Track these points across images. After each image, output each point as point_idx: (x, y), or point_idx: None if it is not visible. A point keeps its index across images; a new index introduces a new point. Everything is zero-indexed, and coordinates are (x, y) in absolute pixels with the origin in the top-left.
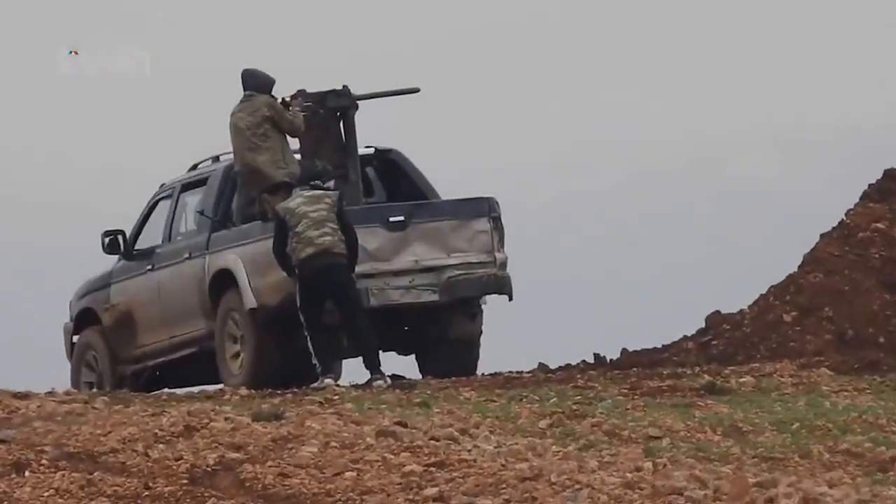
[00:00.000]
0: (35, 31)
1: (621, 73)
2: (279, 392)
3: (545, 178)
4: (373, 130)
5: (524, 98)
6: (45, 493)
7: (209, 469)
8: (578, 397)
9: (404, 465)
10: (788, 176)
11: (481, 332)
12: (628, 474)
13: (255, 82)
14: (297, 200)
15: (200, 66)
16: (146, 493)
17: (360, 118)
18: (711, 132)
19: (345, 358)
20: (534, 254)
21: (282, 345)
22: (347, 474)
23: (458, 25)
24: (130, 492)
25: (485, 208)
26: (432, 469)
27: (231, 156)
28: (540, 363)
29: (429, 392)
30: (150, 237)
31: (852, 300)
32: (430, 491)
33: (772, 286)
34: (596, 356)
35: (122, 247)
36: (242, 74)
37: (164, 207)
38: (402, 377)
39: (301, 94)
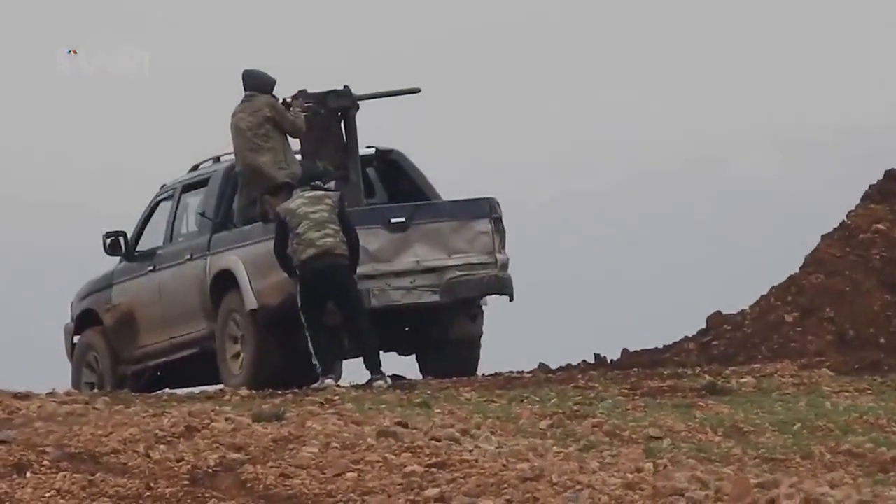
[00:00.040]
0: (35, 31)
1: (621, 73)
2: (280, 393)
3: (545, 178)
4: (373, 130)
5: (524, 98)
6: (47, 494)
7: (210, 470)
8: (579, 398)
9: (405, 466)
10: (788, 176)
11: (482, 332)
12: (629, 475)
13: (256, 83)
14: (298, 201)
15: (200, 66)
16: (147, 493)
17: (360, 118)
18: (711, 132)
19: (345, 358)
20: (534, 254)
21: (282, 346)
22: (348, 475)
23: (458, 25)
24: (132, 492)
25: (486, 209)
26: (433, 469)
27: (232, 156)
28: (540, 364)
29: (429, 392)
30: (152, 238)
31: (853, 301)
32: (432, 491)
33: (773, 287)
34: (596, 356)
35: (123, 248)
36: (243, 75)
37: (165, 208)
38: (403, 378)
39: (302, 94)
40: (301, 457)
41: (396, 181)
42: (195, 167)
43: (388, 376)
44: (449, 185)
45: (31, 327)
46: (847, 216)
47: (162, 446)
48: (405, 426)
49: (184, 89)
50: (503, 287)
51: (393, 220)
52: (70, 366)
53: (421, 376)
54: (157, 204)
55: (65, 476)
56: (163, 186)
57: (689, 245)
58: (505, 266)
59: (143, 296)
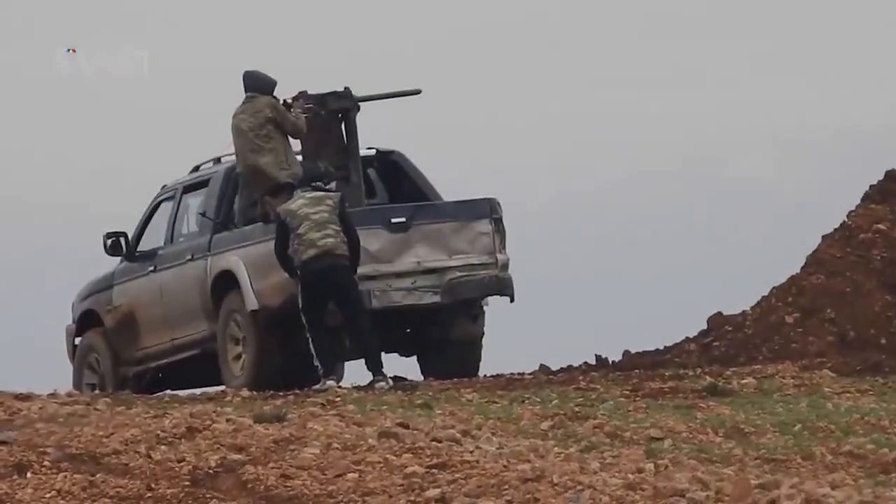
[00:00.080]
0: (35, 31)
1: (621, 73)
2: (281, 394)
3: (545, 178)
4: (372, 131)
5: (524, 98)
6: (47, 495)
7: (211, 471)
8: (580, 399)
9: (406, 467)
10: (788, 176)
11: (483, 333)
12: (630, 476)
13: (257, 84)
14: (299, 202)
15: (200, 67)
16: (148, 494)
17: (360, 119)
18: (711, 132)
19: (347, 360)
20: (535, 254)
21: (284, 347)
22: (349, 476)
23: (458, 25)
24: (133, 493)
25: (486, 210)
26: (434, 470)
27: (232, 157)
28: (541, 364)
29: (430, 393)
30: (152, 239)
31: (854, 302)
32: (433, 492)
33: (774, 287)
34: (597, 358)
35: (124, 248)
36: (244, 76)
37: (165, 209)
38: (404, 378)
39: (302, 95)
40: (302, 458)
41: (397, 182)
42: (196, 168)
43: (390, 377)
44: (449, 185)
45: (32, 328)
46: (847, 216)
47: (163, 447)
48: (406, 427)
49: (184, 89)
50: (504, 288)
51: (394, 221)
52: (71, 367)
53: (422, 377)
54: (158, 204)
55: (65, 477)
56: (164, 187)
57: (690, 245)
58: (506, 267)
59: (144, 297)
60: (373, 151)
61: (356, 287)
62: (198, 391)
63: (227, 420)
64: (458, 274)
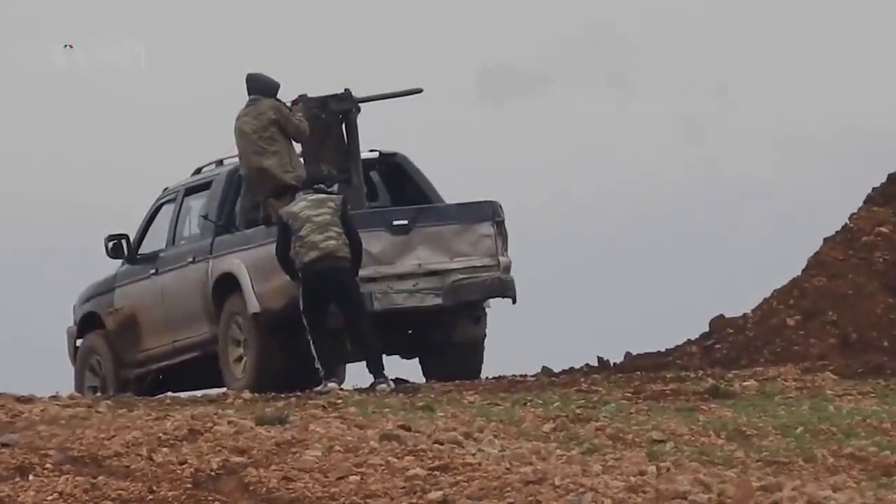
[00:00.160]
0: (34, 31)
1: (621, 72)
2: (283, 396)
3: (545, 178)
4: (371, 131)
5: (524, 98)
6: (49, 497)
7: (213, 473)
8: (582, 401)
9: (408, 469)
10: (788, 176)
11: (485, 335)
12: (632, 478)
13: (260, 86)
14: (301, 204)
15: (201, 67)
16: (150, 496)
17: (359, 120)
18: (711, 132)
19: (348, 362)
20: (536, 256)
21: (285, 349)
22: (351, 478)
23: (458, 25)
24: (134, 496)
25: (488, 212)
26: (436, 473)
27: (235, 160)
28: (543, 367)
29: (432, 396)
30: (154, 241)
31: (856, 304)
32: (434, 495)
33: (775, 290)
34: (599, 360)
35: (125, 251)
36: (247, 78)
37: (167, 211)
38: (406, 381)
39: (303, 99)
40: (304, 460)
41: (400, 184)
42: (198, 170)
43: (391, 380)
44: (448, 185)
45: (32, 329)
46: (849, 219)
47: (165, 449)
48: (408, 429)
49: (184, 89)
50: (506, 290)
51: (395, 223)
52: (73, 369)
53: (424, 379)
54: (160, 207)
55: (67, 479)
56: (165, 189)
57: (690, 246)
58: (507, 269)
59: (146, 299)
60: (375, 154)
61: (358, 289)
62: (199, 393)
63: (229, 422)
64: (460, 276)
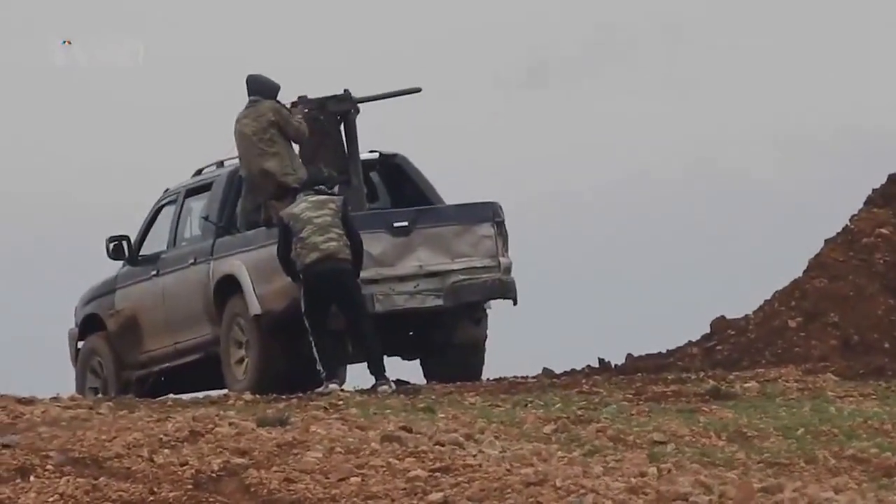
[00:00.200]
0: (34, 30)
1: (621, 72)
2: (284, 397)
3: (545, 178)
4: (370, 131)
5: (524, 98)
6: (51, 499)
7: (214, 474)
8: (583, 402)
9: (409, 471)
10: (788, 176)
11: (486, 336)
12: (633, 479)
13: (260, 88)
14: (302, 206)
15: (200, 67)
16: (151, 498)
17: (359, 120)
18: (711, 132)
19: (349, 363)
20: (536, 256)
21: (286, 350)
22: (352, 479)
23: (458, 25)
24: (135, 497)
25: (489, 213)
26: (437, 474)
27: (236, 161)
28: (544, 368)
29: (433, 397)
30: (155, 243)
31: (857, 305)
32: (435, 496)
33: (776, 291)
34: (601, 361)
35: (126, 252)
36: (247, 80)
37: (168, 213)
38: (407, 382)
39: (302, 100)
40: (305, 461)
41: (400, 185)
42: (199, 171)
43: (392, 381)
44: (448, 185)
45: (33, 329)
46: (850, 220)
47: (166, 451)
48: (409, 431)
49: (184, 89)
50: (507, 291)
51: (396, 225)
52: (74, 371)
53: (425, 381)
54: (161, 208)
55: (68, 481)
56: (166, 191)
57: (691, 247)
58: (508, 270)
59: (147, 300)
60: (376, 155)
61: (359, 291)
62: (200, 395)
63: (230, 424)
64: (461, 277)
